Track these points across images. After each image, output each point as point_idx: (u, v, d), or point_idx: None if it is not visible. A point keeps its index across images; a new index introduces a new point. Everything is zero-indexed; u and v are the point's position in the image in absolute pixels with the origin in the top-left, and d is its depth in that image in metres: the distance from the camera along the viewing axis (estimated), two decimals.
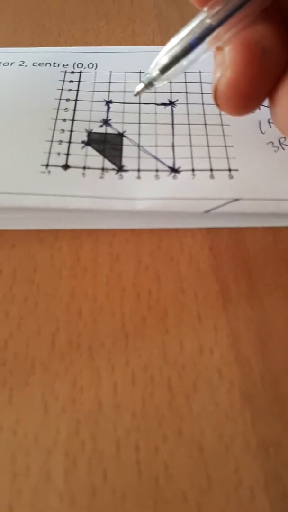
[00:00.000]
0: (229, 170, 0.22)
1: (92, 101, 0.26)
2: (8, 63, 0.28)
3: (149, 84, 0.19)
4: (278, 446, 0.16)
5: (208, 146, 0.24)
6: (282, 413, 0.17)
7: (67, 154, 0.23)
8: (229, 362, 0.18)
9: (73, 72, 0.27)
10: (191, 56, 0.17)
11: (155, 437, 0.16)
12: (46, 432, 0.17)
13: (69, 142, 0.24)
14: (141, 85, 0.19)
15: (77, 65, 0.28)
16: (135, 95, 0.20)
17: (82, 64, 0.28)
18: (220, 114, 0.25)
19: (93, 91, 0.26)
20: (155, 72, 0.18)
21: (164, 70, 0.18)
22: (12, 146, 0.23)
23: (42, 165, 0.23)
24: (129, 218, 0.22)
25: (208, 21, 0.16)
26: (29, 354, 0.18)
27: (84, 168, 0.23)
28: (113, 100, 0.26)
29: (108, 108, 0.25)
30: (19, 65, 0.27)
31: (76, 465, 0.16)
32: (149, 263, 0.21)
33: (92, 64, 0.28)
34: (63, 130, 0.24)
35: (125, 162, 0.23)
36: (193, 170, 0.23)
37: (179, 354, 0.18)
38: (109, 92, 0.26)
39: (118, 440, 0.16)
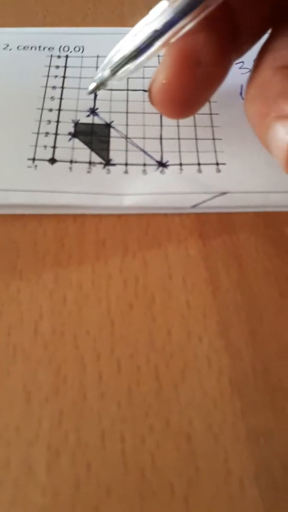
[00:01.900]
0: (217, 164, 0.22)
1: (79, 88, 0.25)
2: None
3: (101, 83, 0.19)
4: (268, 436, 0.16)
5: (196, 139, 0.23)
6: (273, 402, 0.16)
7: (54, 147, 0.22)
8: (218, 350, 0.17)
9: (59, 57, 0.26)
10: (141, 58, 0.17)
11: (141, 427, 0.16)
12: (28, 423, 0.16)
13: (56, 134, 0.23)
14: (93, 84, 0.19)
15: (63, 49, 0.27)
16: (89, 93, 0.19)
17: (69, 48, 0.27)
18: (209, 102, 0.24)
19: (80, 77, 0.25)
20: (107, 72, 0.18)
21: (115, 70, 0.18)
22: None
23: (29, 159, 0.22)
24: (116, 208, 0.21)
25: (154, 28, 0.16)
26: (10, 342, 0.18)
27: (71, 162, 0.22)
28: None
29: (95, 95, 0.24)
30: (3, 48, 0.27)
31: (59, 457, 0.15)
32: (136, 250, 0.20)
33: (79, 47, 0.27)
34: (49, 121, 0.23)
35: (113, 155, 0.22)
36: (180, 164, 0.22)
37: (166, 342, 0.18)
38: None
39: (103, 431, 0.16)
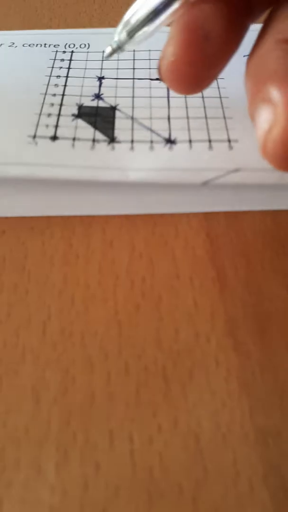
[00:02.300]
0: (229, 141, 0.21)
1: (83, 77, 0.25)
2: None
3: (118, 47, 0.18)
4: (277, 436, 0.16)
5: (206, 117, 0.22)
6: (282, 402, 0.16)
7: (56, 126, 0.22)
8: (226, 350, 0.17)
9: (64, 52, 0.26)
10: (160, 19, 0.16)
11: (149, 427, 0.16)
12: (37, 423, 0.16)
13: (59, 115, 0.23)
14: (109, 48, 0.18)
15: (69, 45, 0.27)
16: (105, 57, 0.19)
17: (74, 45, 0.27)
18: (218, 88, 0.24)
19: (85, 69, 0.25)
20: (123, 35, 0.17)
21: (132, 33, 0.17)
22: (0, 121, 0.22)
23: (29, 136, 0.22)
24: (122, 202, 0.21)
25: None
26: (19, 343, 0.18)
27: (74, 139, 0.22)
28: (105, 76, 0.25)
29: (100, 83, 0.24)
30: (9, 46, 0.27)
31: (68, 458, 0.15)
32: (143, 250, 0.20)
33: (85, 44, 0.27)
34: (52, 104, 0.23)
35: (118, 133, 0.22)
36: (190, 141, 0.21)
37: (174, 341, 0.18)
38: (101, 69, 0.25)
39: (111, 431, 0.16)
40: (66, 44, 0.27)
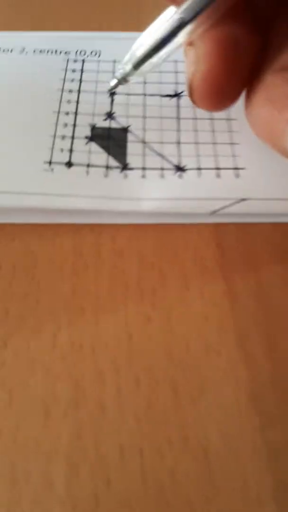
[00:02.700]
0: (236, 168, 0.22)
1: (95, 92, 0.25)
2: (8, 50, 0.27)
3: (123, 79, 0.18)
4: (287, 451, 0.16)
5: (214, 143, 0.23)
6: None
7: (71, 151, 0.22)
8: (236, 363, 0.17)
9: (75, 61, 0.26)
10: (165, 50, 0.16)
11: (160, 442, 0.16)
12: (47, 437, 0.16)
13: (73, 137, 0.23)
14: (115, 80, 0.19)
15: (80, 53, 0.27)
16: (109, 90, 0.19)
17: (85, 52, 0.27)
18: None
19: (97, 81, 0.25)
20: (129, 67, 0.18)
21: (137, 65, 0.17)
22: (14, 141, 0.23)
23: (45, 162, 0.22)
24: (133, 213, 0.21)
25: (180, 16, 0.15)
26: (29, 355, 0.18)
27: (88, 166, 0.22)
28: (117, 91, 0.25)
29: (112, 100, 0.24)
30: (20, 52, 0.26)
31: (78, 472, 0.15)
32: (153, 260, 0.20)
33: (95, 51, 0.27)
34: (66, 124, 0.23)
35: (130, 159, 0.22)
36: (199, 168, 0.22)
37: (184, 355, 0.18)
38: None
39: (122, 446, 0.16)
40: (77, 51, 0.27)
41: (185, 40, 0.16)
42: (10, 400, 0.17)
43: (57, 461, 0.16)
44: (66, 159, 0.22)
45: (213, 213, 0.21)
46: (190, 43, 0.16)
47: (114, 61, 0.26)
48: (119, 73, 0.18)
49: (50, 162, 0.22)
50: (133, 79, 0.18)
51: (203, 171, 0.22)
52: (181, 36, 0.16)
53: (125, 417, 0.16)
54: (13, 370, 0.17)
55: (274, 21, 0.16)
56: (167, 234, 0.21)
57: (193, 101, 0.17)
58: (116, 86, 0.19)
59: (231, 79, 0.16)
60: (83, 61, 0.26)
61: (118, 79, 0.18)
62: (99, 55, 0.27)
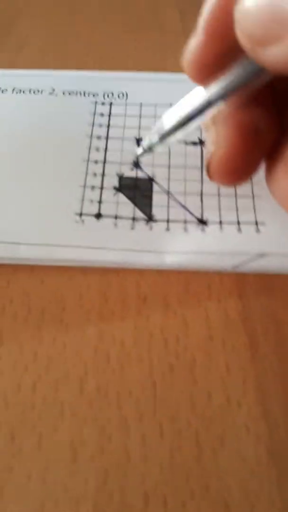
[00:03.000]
0: (256, 224, 0.23)
1: (123, 138, 0.26)
2: (39, 91, 0.28)
3: (149, 149, 0.19)
4: None
5: (236, 195, 0.24)
6: None
7: (100, 202, 0.23)
8: (256, 417, 0.18)
9: (103, 104, 0.27)
10: (190, 127, 0.17)
11: (182, 491, 0.17)
12: (75, 481, 0.17)
13: (101, 187, 0.24)
14: (141, 149, 0.20)
15: (107, 95, 0.28)
16: (137, 157, 0.20)
17: (112, 94, 0.28)
18: None
19: (124, 127, 0.26)
20: (155, 138, 0.18)
21: (163, 137, 0.18)
22: (45, 191, 0.24)
23: (76, 214, 0.23)
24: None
25: (208, 97, 0.16)
26: (58, 398, 0.19)
27: (116, 217, 0.23)
28: (143, 138, 0.26)
29: (138, 146, 0.25)
30: (50, 93, 0.27)
31: None
32: (177, 307, 0.21)
33: (123, 93, 0.28)
34: (95, 174, 0.24)
35: (155, 211, 0.23)
36: (220, 222, 0.23)
37: (207, 406, 0.18)
38: (139, 128, 0.26)
39: (146, 493, 0.17)
40: (105, 93, 0.28)
41: (209, 117, 0.17)
42: (39, 444, 0.18)
43: (85, 506, 0.16)
44: (96, 211, 0.23)
45: (234, 268, 0.21)
46: (213, 121, 0.17)
47: (141, 104, 0.27)
48: (145, 142, 0.19)
49: (80, 214, 0.23)
50: (158, 149, 0.19)
51: (224, 225, 0.23)
52: (206, 115, 0.17)
53: (149, 465, 0.17)
54: (42, 413, 0.18)
55: None
56: (190, 282, 0.22)
57: (209, 177, 0.17)
58: (142, 155, 0.20)
59: (248, 162, 0.17)
60: (111, 104, 0.27)
61: (144, 149, 0.19)
62: (126, 97, 0.28)
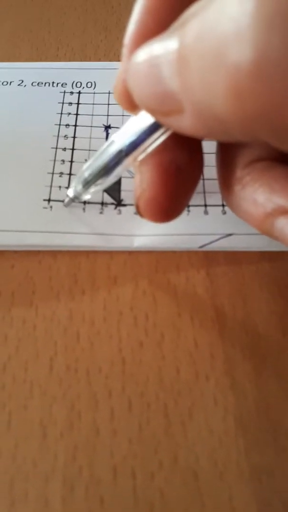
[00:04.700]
0: (223, 206, 0.23)
1: (91, 126, 0.26)
2: (7, 82, 0.28)
3: (75, 197, 0.21)
4: (270, 474, 0.17)
5: (202, 179, 0.24)
6: (275, 440, 0.17)
7: (68, 188, 0.23)
8: (224, 389, 0.18)
9: (72, 93, 0.27)
10: (110, 176, 0.18)
11: (151, 463, 0.17)
12: (45, 457, 0.17)
13: (70, 174, 0.24)
14: (67, 198, 0.21)
15: (76, 84, 0.28)
16: (65, 206, 0.22)
17: (81, 83, 0.28)
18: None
19: (92, 115, 0.26)
20: (79, 187, 0.19)
21: (87, 185, 0.19)
22: (14, 179, 0.24)
23: (45, 200, 0.23)
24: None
25: (119, 148, 0.16)
26: (27, 378, 0.19)
27: (85, 203, 0.23)
28: (111, 125, 0.26)
29: (107, 134, 0.25)
30: (18, 84, 0.28)
31: (74, 492, 0.16)
32: (147, 287, 0.21)
33: (91, 83, 0.28)
34: (63, 161, 0.24)
35: (124, 195, 0.23)
36: (188, 206, 0.23)
37: (175, 380, 0.19)
38: (107, 115, 0.26)
39: (115, 467, 0.17)
40: (73, 82, 0.28)
41: (131, 162, 0.17)
42: (9, 422, 0.18)
43: (54, 481, 0.16)
44: (64, 197, 0.23)
45: (201, 247, 0.22)
46: (137, 164, 0.17)
47: (109, 93, 0.27)
48: (71, 191, 0.20)
49: (49, 200, 0.23)
50: (84, 197, 0.20)
51: (191, 208, 0.23)
52: (124, 165, 0.17)
53: (118, 439, 0.17)
54: (11, 392, 0.18)
55: None
56: (160, 261, 0.22)
57: (140, 216, 0.18)
58: (69, 203, 0.22)
59: (176, 200, 0.17)
60: (79, 93, 0.28)
61: (70, 197, 0.21)
62: (94, 87, 0.28)
